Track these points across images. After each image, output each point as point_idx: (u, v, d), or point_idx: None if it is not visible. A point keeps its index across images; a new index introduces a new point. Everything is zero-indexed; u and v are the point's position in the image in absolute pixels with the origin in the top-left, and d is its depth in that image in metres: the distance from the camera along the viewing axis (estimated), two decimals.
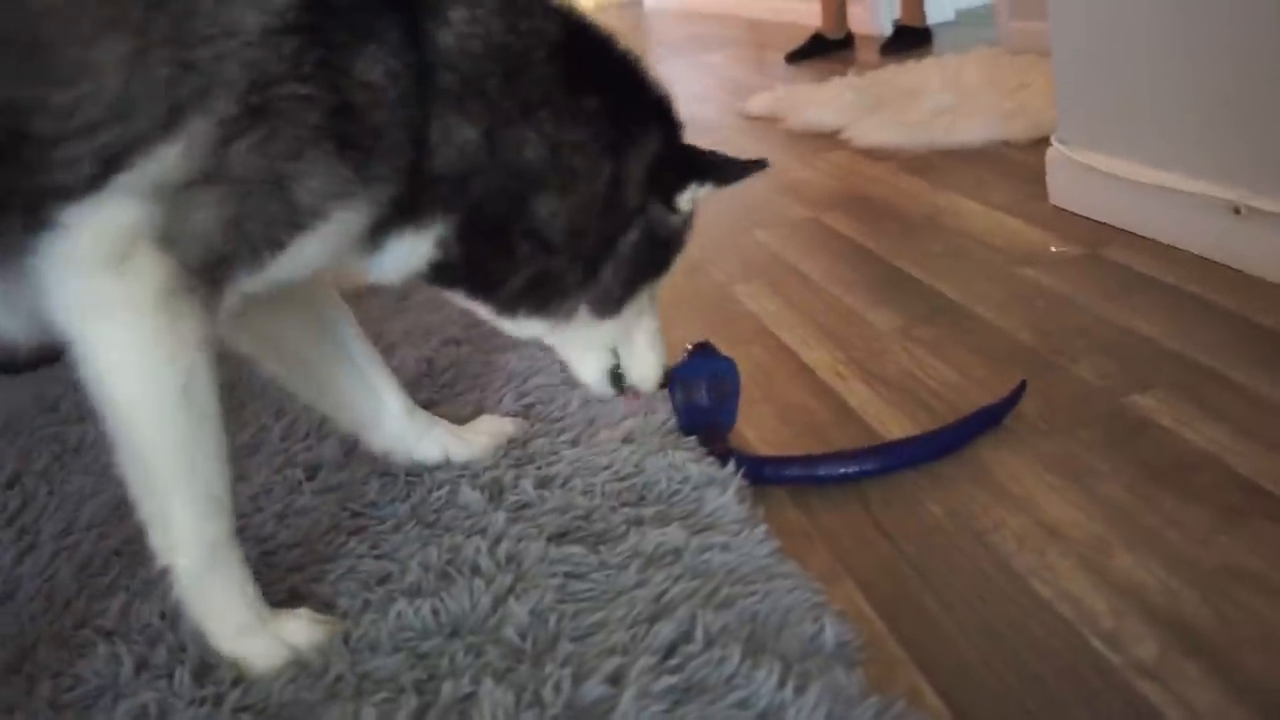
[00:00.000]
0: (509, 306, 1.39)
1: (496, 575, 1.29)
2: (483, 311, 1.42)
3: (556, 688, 1.09)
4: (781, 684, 1.05)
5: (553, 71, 1.29)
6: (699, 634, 1.13)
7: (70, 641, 1.30)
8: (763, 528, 1.33)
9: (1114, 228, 2.20)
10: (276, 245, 1.18)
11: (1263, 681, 1.01)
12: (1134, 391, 1.55)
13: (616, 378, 1.53)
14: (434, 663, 1.17)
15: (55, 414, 1.99)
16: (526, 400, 1.77)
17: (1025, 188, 2.57)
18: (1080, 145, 2.33)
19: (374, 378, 1.54)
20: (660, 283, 1.48)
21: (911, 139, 3.23)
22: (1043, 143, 2.54)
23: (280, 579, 1.35)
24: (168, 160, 1.09)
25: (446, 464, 1.57)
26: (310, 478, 1.60)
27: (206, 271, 1.14)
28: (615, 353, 1.51)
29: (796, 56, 5.28)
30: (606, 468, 1.51)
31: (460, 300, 1.42)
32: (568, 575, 1.28)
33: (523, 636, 1.18)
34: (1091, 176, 2.28)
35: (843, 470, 1.47)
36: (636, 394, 1.56)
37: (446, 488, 1.51)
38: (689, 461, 1.48)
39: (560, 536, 1.36)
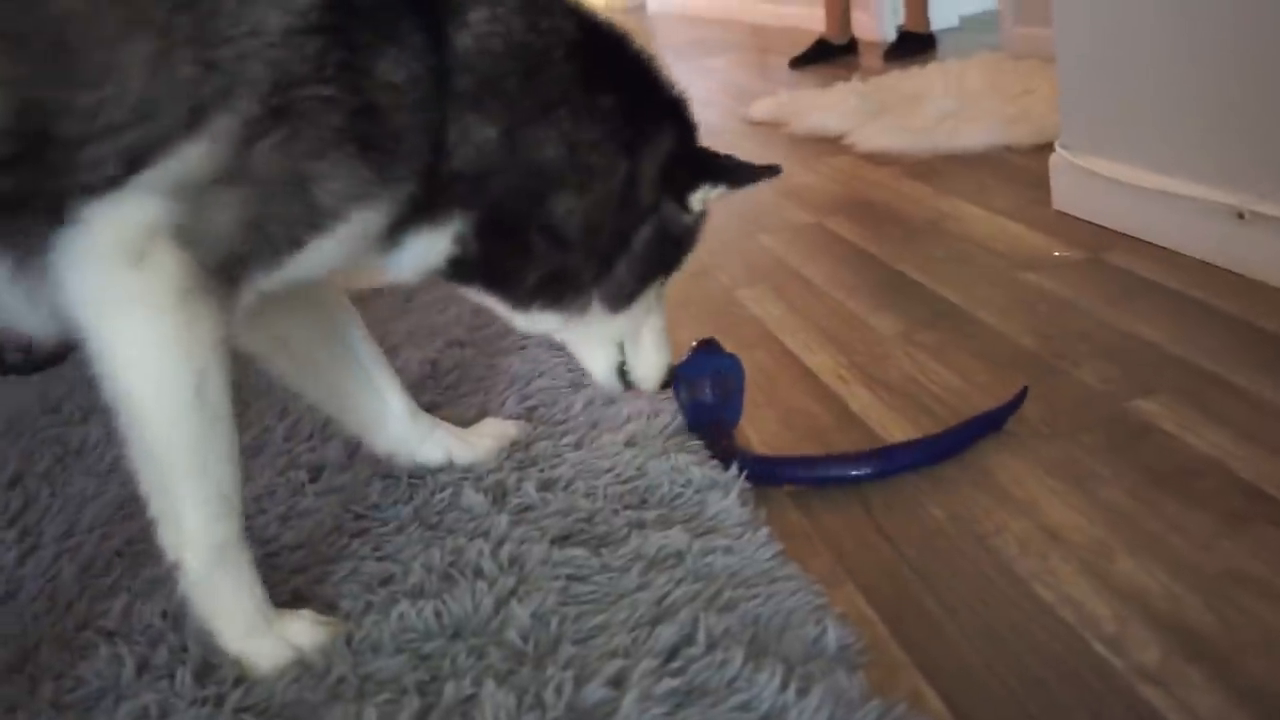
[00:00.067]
0: (523, 301, 1.40)
1: (499, 577, 1.29)
2: (496, 306, 1.42)
3: (558, 690, 1.09)
4: (783, 687, 1.04)
5: (571, 70, 1.30)
6: (701, 637, 1.13)
7: (72, 642, 1.30)
8: (765, 531, 1.32)
9: (1117, 232, 2.20)
10: (295, 245, 1.18)
11: (1265, 686, 1.01)
12: (1137, 396, 1.55)
13: (625, 374, 1.53)
14: (436, 664, 1.17)
15: (58, 415, 1.98)
16: (529, 403, 1.77)
17: (1028, 193, 2.57)
18: (1083, 150, 2.33)
19: (379, 380, 1.54)
20: (670, 280, 1.49)
21: (915, 144, 3.23)
22: (1046, 148, 2.54)
23: (283, 580, 1.35)
24: (191, 159, 1.09)
25: (449, 466, 1.57)
26: (314, 479, 1.60)
27: (224, 270, 1.14)
28: (623, 349, 1.52)
29: (800, 62, 5.29)
30: (609, 471, 1.50)
31: (474, 296, 1.42)
32: (570, 578, 1.28)
33: (525, 639, 1.18)
34: (1094, 181, 2.28)
35: (850, 472, 1.47)
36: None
37: (449, 490, 1.51)
38: (691, 465, 1.48)
39: (563, 539, 1.36)
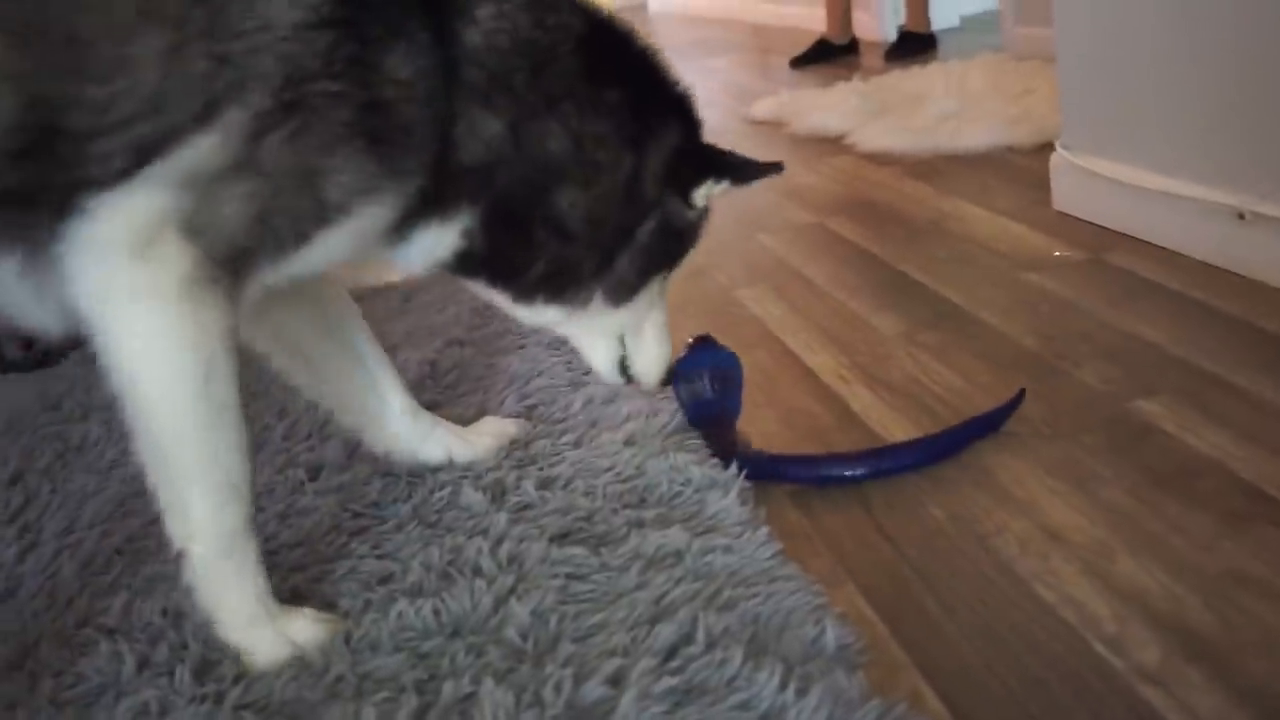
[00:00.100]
0: (527, 293, 1.40)
1: (498, 576, 1.29)
2: (499, 299, 1.43)
3: (557, 688, 1.08)
4: (783, 686, 1.04)
5: (577, 65, 1.31)
6: (700, 636, 1.13)
7: (72, 639, 1.30)
8: (764, 530, 1.32)
9: (1118, 233, 2.20)
10: (302, 239, 1.19)
11: (1265, 686, 1.01)
12: (1138, 397, 1.55)
13: (626, 367, 1.54)
14: (435, 663, 1.17)
15: (58, 412, 1.99)
16: (529, 402, 1.77)
17: (1029, 193, 2.57)
18: (1084, 150, 2.33)
19: (379, 377, 1.54)
20: (672, 275, 1.50)
21: (916, 144, 3.23)
22: (1047, 148, 2.54)
23: (283, 579, 1.35)
24: (201, 151, 1.10)
25: (449, 465, 1.57)
26: (313, 478, 1.60)
27: (230, 262, 1.15)
28: (625, 343, 1.53)
29: (801, 61, 5.29)
30: (608, 469, 1.50)
31: (477, 288, 1.43)
32: (569, 576, 1.28)
33: (524, 637, 1.18)
34: (1095, 182, 2.28)
35: (844, 472, 1.47)
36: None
37: (448, 488, 1.51)
38: (691, 464, 1.48)
39: (562, 538, 1.36)
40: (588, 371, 1.78)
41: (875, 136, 3.39)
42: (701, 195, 1.41)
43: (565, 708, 1.07)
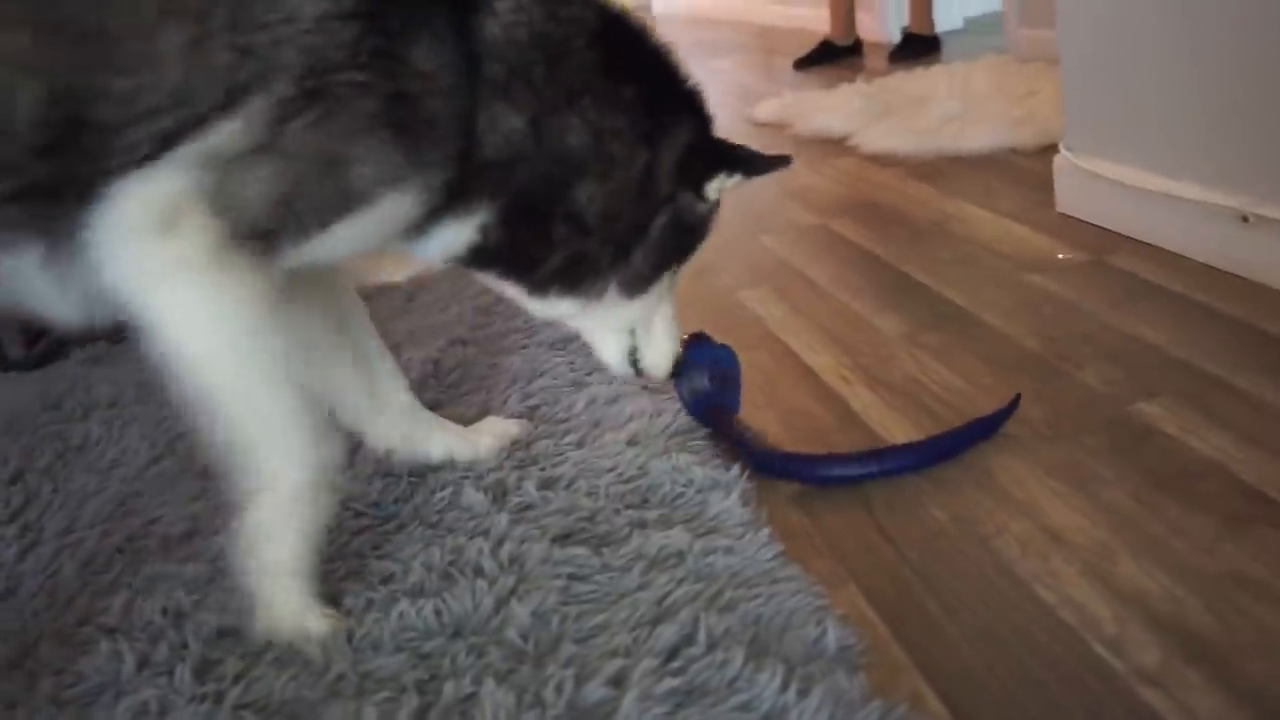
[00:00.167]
0: (541, 286, 1.42)
1: (499, 576, 1.29)
2: (512, 292, 1.44)
3: (558, 689, 1.08)
4: (784, 687, 1.04)
5: (592, 60, 1.33)
6: (701, 637, 1.13)
7: (72, 638, 1.30)
8: (766, 531, 1.32)
9: (1121, 235, 2.20)
10: (324, 224, 1.20)
11: (1265, 688, 1.01)
12: (1139, 399, 1.55)
13: (635, 360, 1.56)
14: (436, 663, 1.17)
15: (59, 411, 1.99)
16: (531, 402, 1.77)
17: (1033, 195, 2.57)
18: (1087, 153, 2.33)
19: (382, 376, 1.55)
20: (682, 270, 1.51)
21: (920, 146, 3.23)
22: (1050, 150, 2.54)
23: None
24: (224, 134, 1.12)
25: (450, 465, 1.57)
26: None
27: (255, 241, 1.16)
28: (635, 334, 1.54)
29: (805, 63, 5.29)
30: (610, 470, 1.50)
31: (490, 282, 1.45)
32: (570, 577, 1.28)
33: (525, 638, 1.18)
34: (1098, 184, 2.27)
35: (835, 472, 1.48)
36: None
37: (450, 489, 1.51)
38: (693, 464, 1.48)
39: (563, 538, 1.36)
40: (590, 372, 1.80)
41: (879, 138, 3.39)
42: (714, 189, 1.43)
43: (566, 708, 1.07)
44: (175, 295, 1.15)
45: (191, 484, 1.64)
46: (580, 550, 1.32)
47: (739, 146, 1.45)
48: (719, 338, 1.67)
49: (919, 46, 4.99)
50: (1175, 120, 2.06)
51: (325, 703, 1.13)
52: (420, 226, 1.30)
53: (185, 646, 1.24)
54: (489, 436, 1.62)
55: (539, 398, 1.78)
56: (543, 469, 1.53)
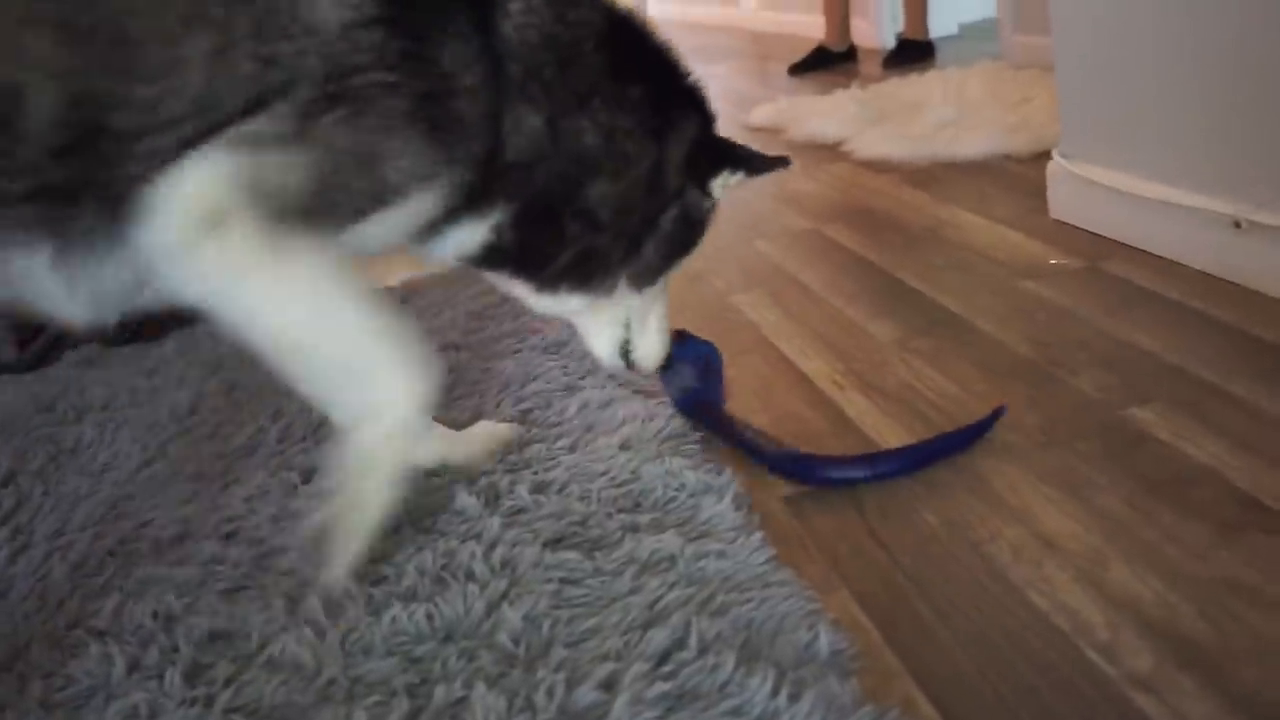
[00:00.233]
0: (552, 283, 1.45)
1: (491, 580, 1.28)
2: (520, 290, 1.47)
3: (549, 693, 1.08)
4: (775, 692, 1.04)
5: (601, 60, 1.36)
6: (693, 641, 1.13)
7: (63, 641, 1.29)
8: (758, 535, 1.32)
9: (1114, 241, 2.20)
10: (358, 217, 1.23)
11: (1257, 694, 1.01)
12: (1133, 405, 1.55)
13: (627, 353, 1.58)
14: (427, 667, 1.16)
15: (51, 414, 1.98)
16: (524, 406, 1.77)
17: (1027, 201, 2.57)
18: (1082, 159, 2.33)
19: None
20: (683, 263, 1.54)
21: (914, 152, 3.23)
22: (1044, 156, 2.54)
23: (274, 582, 1.35)
24: (249, 126, 1.14)
25: (443, 469, 1.56)
26: (306, 481, 1.59)
27: (297, 225, 1.18)
28: (628, 327, 1.57)
29: (799, 69, 5.30)
30: (603, 474, 1.50)
31: (497, 280, 1.48)
32: (562, 581, 1.27)
33: (516, 642, 1.18)
34: (1093, 190, 2.28)
35: (835, 475, 1.48)
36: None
37: (442, 493, 1.50)
38: (686, 469, 1.47)
39: (555, 542, 1.36)
40: (583, 376, 1.80)
41: (873, 144, 3.39)
42: (719, 185, 1.47)
43: (558, 712, 1.06)
44: (249, 289, 1.18)
45: (183, 487, 1.64)
46: (572, 554, 1.32)
47: (740, 145, 1.49)
48: (713, 341, 1.68)
49: (913, 52, 5.00)
50: (1169, 127, 2.06)
51: (316, 707, 1.12)
52: (437, 226, 1.32)
53: (176, 650, 1.24)
54: (481, 440, 1.61)
55: (531, 402, 1.78)
56: (535, 473, 1.53)
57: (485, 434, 1.64)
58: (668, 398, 1.67)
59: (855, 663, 1.11)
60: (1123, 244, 2.18)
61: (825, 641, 1.12)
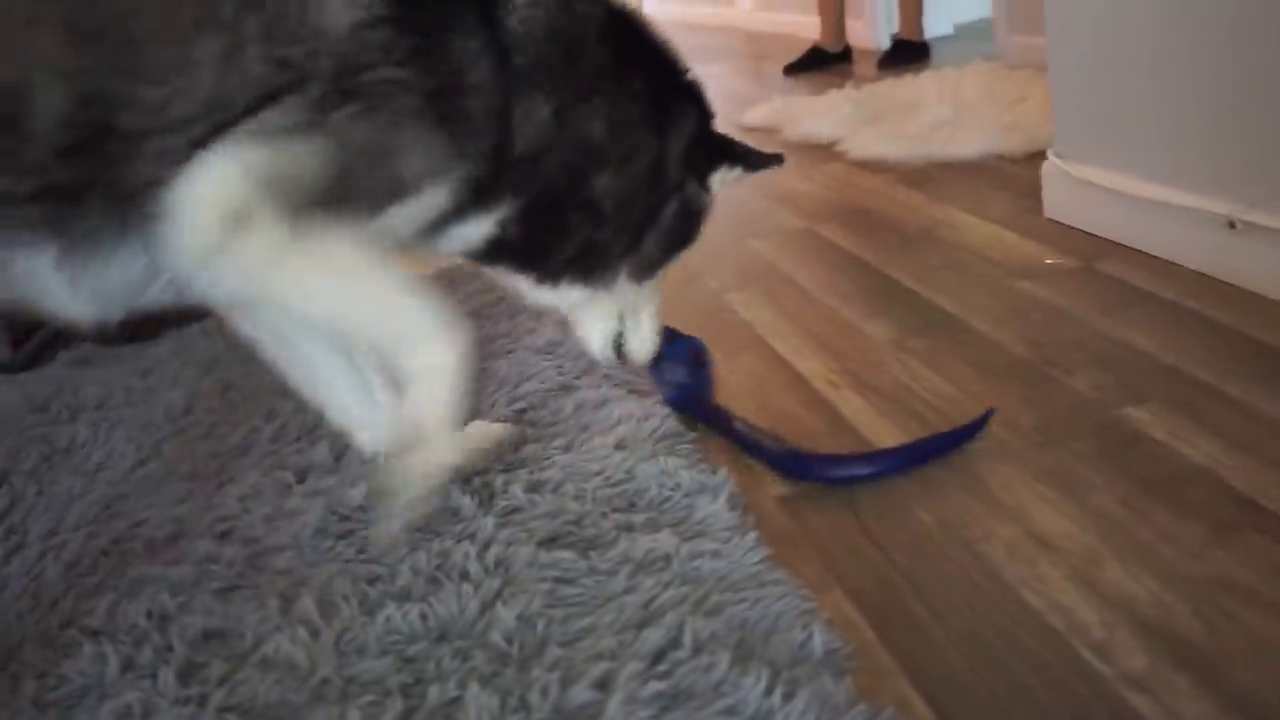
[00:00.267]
0: (554, 276, 1.47)
1: (485, 580, 1.28)
2: (521, 283, 1.49)
3: (543, 692, 1.08)
4: (769, 691, 1.04)
5: (604, 53, 1.37)
6: (687, 640, 1.13)
7: (56, 641, 1.29)
8: (753, 535, 1.32)
9: (1110, 241, 2.20)
10: (374, 210, 1.24)
11: (1252, 694, 1.01)
12: (1128, 404, 1.55)
13: (619, 346, 1.61)
14: (421, 666, 1.16)
15: (45, 414, 1.98)
16: (519, 405, 1.76)
17: (1022, 201, 2.57)
18: (1077, 159, 2.33)
19: (371, 379, 1.54)
20: (681, 256, 1.56)
21: (909, 152, 3.23)
22: (1039, 156, 2.54)
23: (268, 581, 1.34)
24: (259, 122, 1.14)
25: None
26: (300, 480, 1.59)
27: (317, 215, 1.19)
28: (621, 320, 1.59)
29: (795, 69, 5.30)
30: (598, 473, 1.50)
31: (498, 274, 1.49)
32: (557, 580, 1.27)
33: (510, 641, 1.18)
34: (1087, 190, 2.28)
35: (830, 473, 1.49)
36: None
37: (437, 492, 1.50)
38: (681, 469, 1.47)
39: (550, 542, 1.36)
40: (579, 376, 1.79)
41: (868, 144, 3.39)
42: (718, 180, 1.49)
43: (551, 712, 1.06)
44: (278, 283, 1.20)
45: (177, 487, 1.64)
46: (567, 554, 1.32)
47: (737, 142, 1.52)
48: (707, 341, 1.69)
49: (908, 53, 5.00)
50: (1164, 127, 2.06)
51: (310, 706, 1.12)
52: (445, 222, 1.33)
53: (170, 649, 1.23)
54: (476, 440, 1.61)
55: (526, 401, 1.77)
56: (530, 472, 1.53)
57: (480, 434, 1.63)
58: (660, 395, 1.68)
59: (850, 662, 1.11)
60: (1118, 244, 2.18)
61: (819, 641, 1.12)
